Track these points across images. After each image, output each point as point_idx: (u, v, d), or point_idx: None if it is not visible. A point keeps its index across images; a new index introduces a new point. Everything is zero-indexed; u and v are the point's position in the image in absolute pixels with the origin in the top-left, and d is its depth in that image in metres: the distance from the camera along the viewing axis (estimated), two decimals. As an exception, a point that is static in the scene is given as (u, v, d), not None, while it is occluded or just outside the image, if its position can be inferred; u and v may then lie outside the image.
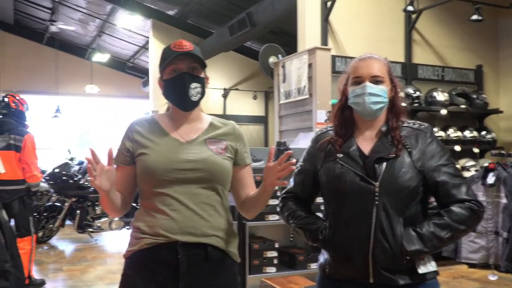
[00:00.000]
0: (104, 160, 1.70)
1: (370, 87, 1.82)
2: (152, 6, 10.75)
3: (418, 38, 6.68)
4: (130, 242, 1.80)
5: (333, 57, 5.89)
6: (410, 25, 6.53)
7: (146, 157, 1.77)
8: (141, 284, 1.73)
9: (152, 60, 11.15)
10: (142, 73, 14.86)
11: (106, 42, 13.82)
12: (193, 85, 1.81)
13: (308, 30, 5.97)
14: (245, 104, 11.69)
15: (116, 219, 8.09)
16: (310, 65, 5.61)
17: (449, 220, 1.74)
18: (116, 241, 8.23)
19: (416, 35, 6.65)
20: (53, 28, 12.48)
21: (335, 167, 1.83)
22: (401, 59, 6.55)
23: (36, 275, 5.31)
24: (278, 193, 2.96)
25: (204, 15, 10.56)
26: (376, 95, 1.82)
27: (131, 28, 11.90)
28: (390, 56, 6.26)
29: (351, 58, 5.99)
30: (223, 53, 10.55)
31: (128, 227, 8.28)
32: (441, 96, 6.29)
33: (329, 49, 5.66)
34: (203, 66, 1.85)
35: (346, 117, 1.93)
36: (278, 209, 2.03)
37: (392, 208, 1.74)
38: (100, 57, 13.88)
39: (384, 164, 1.78)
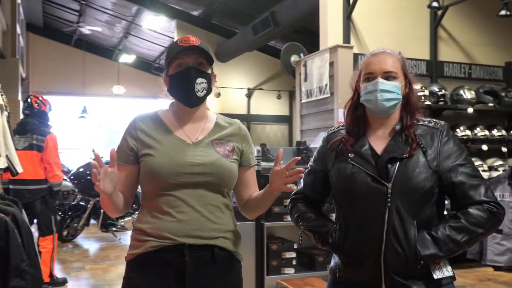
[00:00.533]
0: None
1: (382, 83, 1.74)
2: (177, 7, 10.81)
3: (444, 35, 6.51)
4: (133, 245, 1.75)
5: (356, 55, 5.79)
6: (435, 22, 6.38)
7: (152, 159, 1.71)
8: (145, 286, 1.69)
9: (177, 60, 11.20)
10: (168, 73, 14.94)
11: (132, 43, 13.97)
12: (199, 80, 1.75)
13: (330, 28, 5.88)
14: (269, 104, 11.64)
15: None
16: (331, 64, 5.53)
17: (466, 223, 1.66)
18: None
19: (442, 31, 6.49)
20: (80, 30, 12.67)
21: (346, 167, 1.76)
22: (426, 56, 6.39)
23: (58, 273, 5.37)
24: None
25: (228, 15, 10.56)
26: (389, 91, 1.74)
27: (156, 29, 11.99)
28: (415, 53, 6.20)
29: (374, 56, 5.94)
30: (247, 52, 10.53)
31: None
32: (467, 94, 6.12)
33: (351, 47, 5.57)
34: (210, 61, 1.80)
35: (358, 115, 1.86)
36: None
37: (405, 210, 1.66)
38: (126, 58, 14.03)
39: (397, 164, 1.70)
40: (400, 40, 6.12)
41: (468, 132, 6.09)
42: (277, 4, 8.57)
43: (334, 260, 1.85)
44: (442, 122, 1.82)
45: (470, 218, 1.66)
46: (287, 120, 12.62)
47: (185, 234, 1.68)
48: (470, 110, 6.10)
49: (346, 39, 5.85)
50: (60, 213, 7.11)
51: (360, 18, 5.96)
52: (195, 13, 10.90)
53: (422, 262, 1.64)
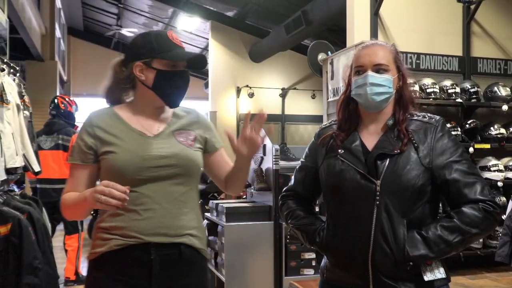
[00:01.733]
0: None
1: (372, 76, 1.68)
2: (211, 8, 10.87)
3: (477, 30, 6.24)
4: (96, 244, 1.72)
5: (383, 52, 5.63)
6: (468, 17, 6.13)
7: (114, 156, 1.68)
8: (112, 286, 1.66)
9: (212, 62, 11.26)
10: (204, 74, 15.07)
11: (169, 45, 14.14)
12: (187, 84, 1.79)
13: (357, 25, 5.75)
14: (304, 104, 11.51)
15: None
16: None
17: (459, 222, 1.57)
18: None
19: (475, 26, 6.23)
20: (119, 33, 12.94)
21: (335, 163, 1.71)
22: (459, 52, 6.15)
23: (84, 272, 5.46)
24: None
25: (262, 15, 10.53)
26: (379, 85, 1.67)
27: (192, 31, 12.11)
28: (446, 50, 5.98)
29: (404, 53, 5.77)
30: (281, 52, 10.46)
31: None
32: (502, 91, 5.84)
33: (377, 44, 5.43)
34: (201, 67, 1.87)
35: (350, 110, 1.80)
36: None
37: (394, 208, 1.60)
38: (163, 60, 14.22)
39: (388, 160, 1.63)
40: (431, 36, 5.92)
41: (503, 131, 5.81)
42: (309, 3, 8.48)
43: (324, 260, 1.80)
44: (437, 117, 1.74)
45: (463, 218, 1.58)
46: (321, 120, 12.45)
47: (151, 233, 1.66)
48: (505, 107, 5.82)
49: (374, 36, 5.69)
50: (92, 212, 7.24)
51: (388, 14, 5.80)
52: (230, 13, 10.93)
53: (411, 263, 1.57)
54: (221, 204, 4.17)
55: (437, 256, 1.60)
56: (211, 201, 4.57)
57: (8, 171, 3.62)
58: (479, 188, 1.61)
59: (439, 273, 1.63)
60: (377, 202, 1.61)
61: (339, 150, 1.72)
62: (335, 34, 9.71)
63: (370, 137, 1.73)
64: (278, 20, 9.97)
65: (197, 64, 1.83)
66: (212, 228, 4.43)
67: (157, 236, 1.66)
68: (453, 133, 4.53)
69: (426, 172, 1.62)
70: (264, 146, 4.62)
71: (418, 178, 1.61)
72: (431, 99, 5.55)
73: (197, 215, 1.80)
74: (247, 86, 10.87)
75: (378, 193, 1.61)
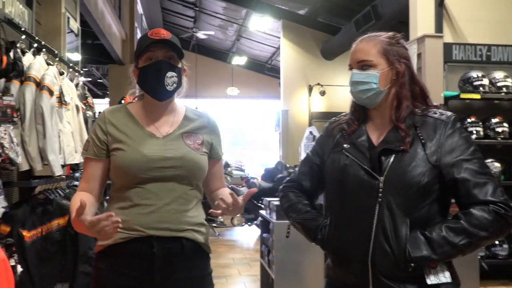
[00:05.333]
0: None
1: (354, 74, 1.64)
2: (283, 7, 10.92)
3: (557, 17, 5.79)
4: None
5: (449, 45, 5.40)
6: (546, 3, 5.71)
7: (122, 154, 1.74)
8: (115, 278, 1.73)
9: (283, 61, 11.31)
10: (279, 73, 15.18)
11: (244, 45, 14.39)
12: (169, 74, 1.74)
13: (420, 17, 5.55)
14: (378, 101, 11.26)
15: (238, 215, 8.38)
16: (419, 55, 5.21)
17: (466, 224, 1.48)
18: (237, 235, 8.52)
19: (552, 14, 5.78)
20: (196, 35, 13.34)
21: (340, 158, 1.66)
22: (536, 42, 5.74)
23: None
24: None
25: (333, 12, 10.41)
26: (362, 82, 1.62)
27: (265, 30, 12.23)
28: (519, 40, 5.58)
29: (473, 45, 5.48)
30: (353, 49, 10.29)
31: (249, 223, 8.53)
32: None
33: (440, 37, 5.21)
34: (181, 56, 1.80)
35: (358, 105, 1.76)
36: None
37: (398, 206, 1.53)
38: (238, 60, 14.50)
39: (393, 157, 1.57)
40: (499, 26, 5.58)
41: None
42: (379, -3, 8.28)
43: (328, 259, 1.76)
44: (449, 113, 1.63)
45: (471, 219, 1.48)
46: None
47: (153, 227, 1.71)
48: None
49: (438, 28, 5.48)
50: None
51: (453, 5, 5.54)
52: (301, 12, 10.92)
53: (412, 264, 1.50)
54: (272, 202, 4.19)
55: (440, 259, 1.51)
56: (265, 199, 4.61)
57: (72, 167, 3.89)
58: (490, 189, 1.50)
59: (444, 277, 1.53)
60: (380, 199, 1.55)
61: (345, 145, 1.67)
62: (407, 28, 9.39)
63: (377, 132, 1.67)
64: (349, 16, 9.80)
65: (176, 50, 1.77)
66: (265, 225, 4.47)
67: (159, 230, 1.71)
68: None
69: (433, 170, 1.54)
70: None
71: (424, 175, 1.53)
72: (502, 94, 5.24)
73: (200, 212, 1.84)
74: (318, 84, 10.81)
75: (380, 190, 1.55)
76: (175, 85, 1.77)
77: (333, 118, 1.84)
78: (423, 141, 1.58)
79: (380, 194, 1.55)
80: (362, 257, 1.57)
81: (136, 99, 1.90)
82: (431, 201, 1.55)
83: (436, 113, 1.63)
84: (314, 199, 1.84)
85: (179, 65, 1.81)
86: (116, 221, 1.51)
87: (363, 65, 1.62)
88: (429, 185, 1.54)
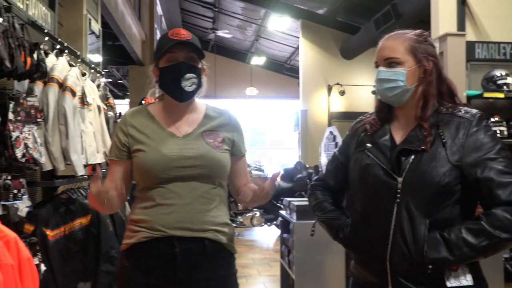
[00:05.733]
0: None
1: (381, 72, 1.62)
2: (302, 7, 10.89)
3: None
4: (127, 235, 1.82)
5: (472, 43, 5.31)
6: None
7: (143, 155, 1.76)
8: (138, 276, 1.75)
9: (302, 61, 11.28)
10: (299, 73, 15.14)
11: (263, 45, 14.39)
12: (189, 75, 1.76)
13: (441, 15, 5.47)
14: (398, 100, 11.16)
15: (258, 215, 8.38)
16: (441, 54, 5.14)
17: (487, 225, 1.45)
18: (257, 236, 8.51)
19: None
20: (215, 36, 13.39)
21: (362, 158, 1.66)
22: (562, 40, 5.62)
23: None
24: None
25: (352, 11, 10.35)
26: (388, 80, 1.60)
27: (284, 30, 12.21)
28: (545, 37, 5.47)
29: (496, 43, 5.39)
30: (372, 48, 10.20)
31: (269, 223, 8.53)
32: None
33: (462, 35, 5.13)
34: (201, 56, 1.81)
35: (383, 104, 1.75)
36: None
37: (416, 207, 1.52)
38: (257, 60, 14.50)
39: (412, 157, 1.55)
40: (526, 23, 5.47)
41: None
42: (399, -4, 8.21)
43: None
44: (474, 111, 1.61)
45: (493, 220, 1.45)
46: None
47: (175, 227, 1.72)
48: None
49: (461, 26, 5.39)
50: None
51: (476, 2, 5.44)
52: (320, 11, 10.87)
53: (430, 266, 1.48)
54: (293, 202, 4.18)
55: (459, 261, 1.48)
56: (285, 199, 4.60)
57: (93, 167, 3.93)
58: None
59: (465, 280, 1.50)
60: (398, 200, 1.53)
61: (367, 145, 1.66)
62: (428, 26, 9.28)
63: (401, 132, 1.65)
64: (369, 15, 9.74)
65: (196, 51, 1.79)
66: (285, 225, 4.46)
67: (180, 230, 1.72)
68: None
69: (454, 170, 1.51)
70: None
71: (444, 176, 1.50)
72: (527, 94, 5.13)
73: (224, 212, 1.84)
74: (338, 84, 10.75)
75: (399, 190, 1.54)
76: (194, 86, 1.79)
77: (360, 117, 1.84)
78: (444, 140, 1.55)
79: (399, 195, 1.54)
80: (380, 257, 1.56)
81: (156, 99, 1.91)
82: (453, 202, 1.53)
83: (461, 111, 1.61)
84: (340, 198, 1.85)
85: (199, 66, 1.81)
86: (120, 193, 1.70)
87: (390, 62, 1.61)
88: (449, 186, 1.51)
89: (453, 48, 5.02)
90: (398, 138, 1.64)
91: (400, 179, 1.55)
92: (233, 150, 1.86)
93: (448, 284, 1.49)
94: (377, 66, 1.65)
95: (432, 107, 1.61)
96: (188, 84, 1.77)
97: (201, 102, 1.91)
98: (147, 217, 1.75)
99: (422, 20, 8.99)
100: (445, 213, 1.52)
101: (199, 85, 1.81)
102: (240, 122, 1.93)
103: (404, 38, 1.63)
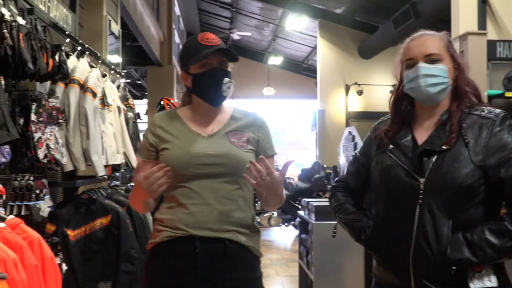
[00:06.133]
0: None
1: (424, 68, 1.59)
2: (319, 6, 10.85)
3: None
4: (152, 234, 1.85)
5: (493, 42, 5.24)
6: None
7: (168, 152, 1.79)
8: (163, 275, 1.77)
9: (320, 60, 11.23)
10: (316, 73, 15.10)
11: (280, 45, 14.38)
12: (225, 80, 1.80)
13: (462, 14, 5.40)
14: (417, 100, 11.06)
15: (275, 215, 8.37)
16: (461, 53, 5.08)
17: (511, 226, 1.44)
18: (274, 236, 8.50)
19: None
20: (233, 36, 13.42)
21: (384, 159, 1.66)
22: None
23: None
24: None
25: (371, 10, 10.29)
26: (433, 75, 1.59)
27: (301, 30, 12.19)
28: None
29: (519, 42, 5.30)
30: (391, 47, 10.12)
31: (286, 223, 8.51)
32: None
33: (484, 34, 5.06)
34: (234, 60, 1.84)
35: (403, 108, 1.74)
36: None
37: (439, 208, 1.51)
38: (274, 60, 14.50)
39: (435, 157, 1.54)
40: (549, 21, 5.37)
41: None
42: (418, -6, 8.13)
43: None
44: (498, 111, 1.59)
45: None
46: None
47: (196, 226, 1.73)
48: None
49: (482, 25, 5.32)
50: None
51: (497, 0, 5.38)
52: (338, 11, 10.83)
53: (454, 267, 1.47)
54: (311, 202, 4.17)
55: (482, 262, 1.46)
56: (303, 199, 4.59)
57: (113, 167, 3.96)
58: None
59: (489, 282, 1.48)
60: (420, 201, 1.53)
61: (389, 146, 1.66)
62: (448, 25, 9.17)
63: (423, 133, 1.64)
64: (387, 14, 9.66)
65: (229, 56, 1.81)
66: (303, 226, 4.45)
67: (201, 230, 1.73)
68: None
69: (477, 170, 1.49)
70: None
71: (467, 176, 1.49)
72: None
73: (247, 213, 1.81)
74: (356, 83, 10.70)
75: (421, 191, 1.53)
76: (229, 90, 1.82)
77: (381, 118, 1.83)
78: (466, 140, 1.54)
79: (421, 196, 1.53)
80: (403, 259, 1.55)
81: (180, 104, 1.95)
82: (477, 203, 1.51)
83: (484, 111, 1.60)
84: (361, 199, 1.84)
85: (230, 70, 1.84)
86: (167, 170, 1.64)
87: (432, 59, 1.60)
88: (472, 187, 1.50)
89: (474, 47, 4.96)
90: (420, 139, 1.63)
91: (422, 180, 1.54)
92: (258, 151, 1.86)
93: (472, 285, 1.48)
94: (411, 64, 1.63)
95: (463, 106, 1.61)
96: (225, 88, 1.80)
97: (228, 105, 1.93)
98: (170, 217, 1.77)
99: (442, 19, 8.92)
100: (469, 214, 1.51)
101: (230, 88, 1.85)
102: (268, 124, 1.93)
103: (440, 36, 1.64)
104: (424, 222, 1.52)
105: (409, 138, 1.64)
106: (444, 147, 1.54)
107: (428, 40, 1.63)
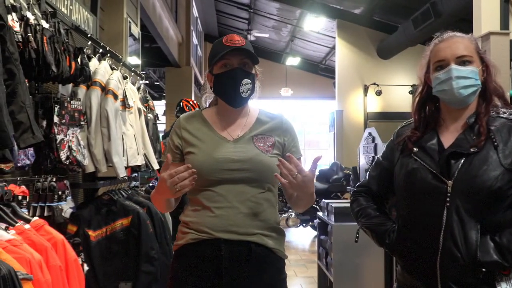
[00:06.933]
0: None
1: (456, 69, 1.57)
2: (338, 7, 10.80)
3: None
4: (178, 236, 1.85)
5: (516, 42, 5.17)
6: None
7: (193, 157, 1.79)
8: (187, 277, 1.77)
9: (338, 61, 11.18)
10: (334, 73, 15.04)
11: (298, 46, 14.34)
12: (245, 81, 1.78)
13: (484, 14, 5.33)
14: (437, 100, 10.95)
15: (293, 216, 8.35)
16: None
17: None
18: (292, 236, 8.48)
19: None
20: (251, 37, 13.42)
21: (409, 162, 1.64)
22: None
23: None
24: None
25: (389, 10, 10.21)
26: (466, 77, 1.57)
27: (319, 30, 12.14)
28: None
29: (543, 43, 5.22)
30: (410, 47, 10.04)
31: (304, 224, 8.48)
32: None
33: (506, 33, 4.99)
34: (255, 62, 1.83)
35: (428, 111, 1.72)
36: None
37: (466, 212, 1.49)
38: (292, 61, 14.47)
39: (463, 160, 1.53)
40: None
41: None
42: (438, -6, 8.04)
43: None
44: None
45: None
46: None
47: (222, 229, 1.73)
48: None
49: (504, 24, 5.24)
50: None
51: (520, -1, 5.29)
52: (357, 11, 10.77)
53: (483, 270, 1.46)
54: (331, 204, 4.15)
55: (511, 265, 1.46)
56: (322, 200, 4.57)
57: (133, 169, 3.99)
58: None
59: None
60: (448, 204, 1.51)
61: (414, 149, 1.64)
62: (469, 25, 9.06)
63: (449, 136, 1.62)
64: (406, 14, 9.58)
65: (250, 56, 1.80)
66: (323, 227, 4.43)
67: (227, 233, 1.73)
68: None
69: (506, 173, 1.48)
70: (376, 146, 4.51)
71: (496, 180, 1.47)
72: None
73: (272, 216, 1.81)
74: (374, 84, 10.62)
75: (449, 194, 1.51)
76: (249, 91, 1.81)
77: (405, 122, 1.82)
78: (495, 143, 1.53)
79: (448, 199, 1.52)
80: (430, 263, 1.54)
81: (208, 105, 1.94)
82: (506, 206, 1.50)
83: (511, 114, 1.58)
84: (384, 203, 1.82)
85: (253, 71, 1.84)
86: (193, 171, 1.62)
87: (463, 60, 1.59)
88: (502, 190, 1.48)
89: (496, 47, 4.89)
90: (446, 142, 1.62)
91: (450, 183, 1.53)
92: (285, 154, 1.84)
93: None
94: (441, 66, 1.62)
95: (490, 107, 1.60)
96: (244, 90, 1.79)
97: (254, 107, 1.92)
98: (195, 219, 1.78)
99: (463, 18, 8.81)
100: (497, 217, 1.50)
101: (252, 90, 1.83)
102: (294, 126, 1.92)
103: (470, 38, 1.63)
104: (452, 225, 1.50)
105: (435, 141, 1.63)
106: (472, 149, 1.52)
107: (458, 41, 1.61)
